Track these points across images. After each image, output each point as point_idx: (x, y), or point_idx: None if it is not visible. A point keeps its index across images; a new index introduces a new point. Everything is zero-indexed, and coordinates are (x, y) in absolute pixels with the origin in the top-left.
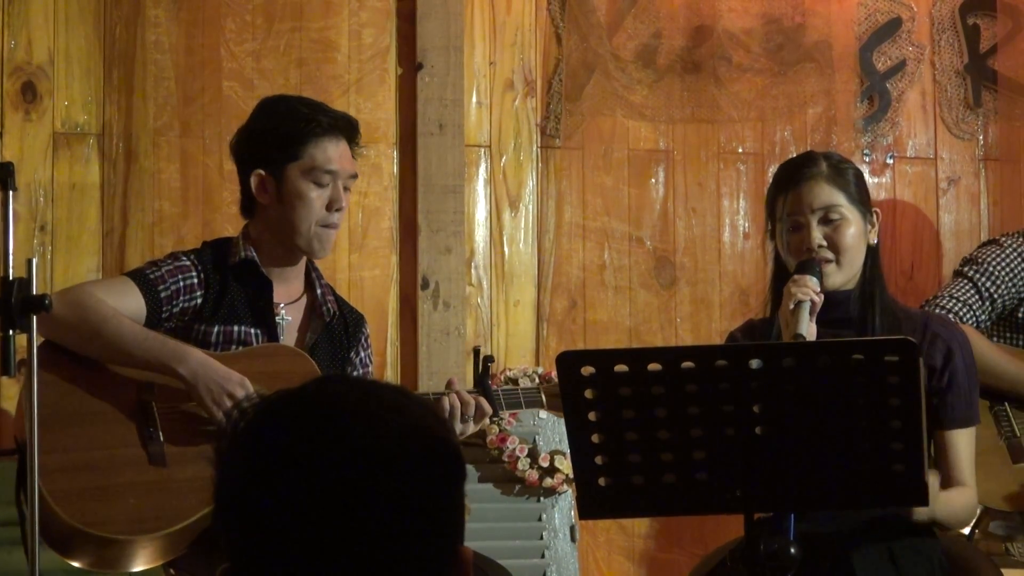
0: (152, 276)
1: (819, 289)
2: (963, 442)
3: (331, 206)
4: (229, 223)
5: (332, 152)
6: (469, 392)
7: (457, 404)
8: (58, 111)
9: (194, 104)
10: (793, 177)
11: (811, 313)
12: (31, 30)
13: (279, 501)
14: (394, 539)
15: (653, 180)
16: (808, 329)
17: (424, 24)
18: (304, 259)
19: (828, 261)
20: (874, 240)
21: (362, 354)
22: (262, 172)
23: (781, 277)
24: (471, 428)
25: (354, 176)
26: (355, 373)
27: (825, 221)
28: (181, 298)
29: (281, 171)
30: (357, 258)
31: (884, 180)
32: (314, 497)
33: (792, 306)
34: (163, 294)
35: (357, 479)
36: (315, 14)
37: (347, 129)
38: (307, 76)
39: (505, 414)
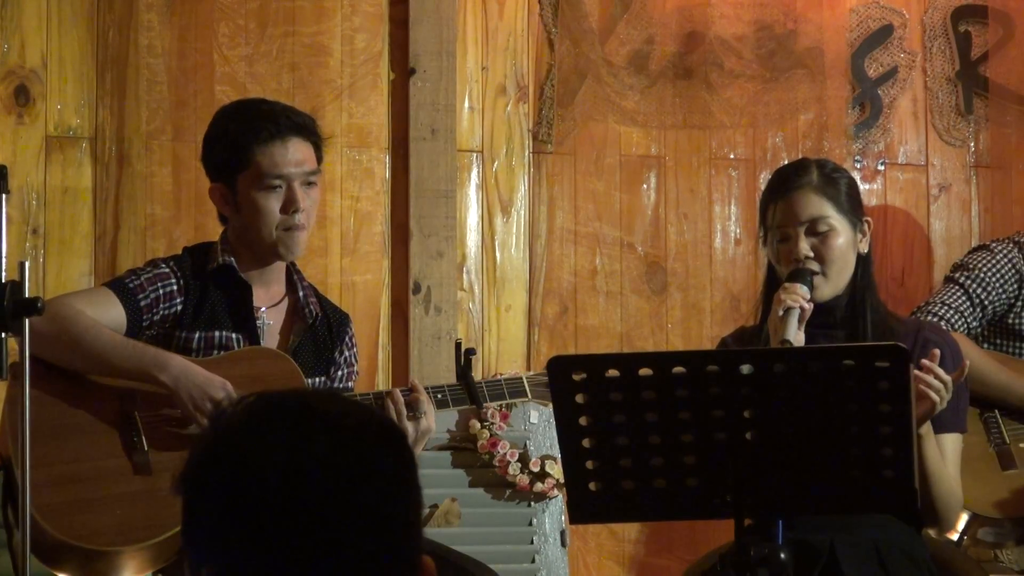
0: (131, 285)
1: (809, 297)
2: (949, 447)
3: (287, 208)
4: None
5: (278, 156)
6: (450, 386)
7: (400, 399)
8: (51, 115)
9: (187, 108)
10: (783, 186)
11: (800, 321)
12: (24, 33)
13: (239, 494)
14: (354, 535)
15: (645, 186)
16: (796, 336)
17: (417, 29)
18: (283, 262)
19: (815, 273)
20: (865, 249)
21: (347, 353)
22: (218, 185)
23: (773, 285)
24: (424, 424)
25: (312, 172)
26: (340, 373)
27: (813, 232)
28: (161, 306)
29: (233, 182)
30: (349, 262)
31: (875, 187)
32: (273, 493)
33: (781, 313)
34: (143, 303)
35: (322, 470)
36: (308, 19)
37: (295, 128)
38: (299, 81)
39: (496, 418)
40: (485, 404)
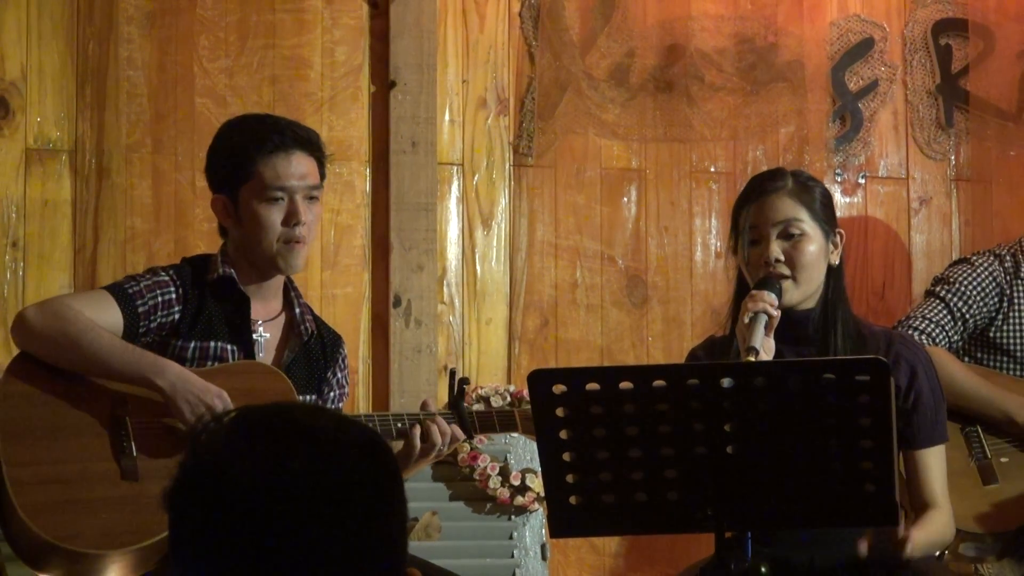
0: (131, 290)
1: (777, 305)
2: (933, 460)
3: (288, 221)
4: (201, 240)
5: (282, 168)
6: (442, 414)
7: (437, 433)
8: (30, 127)
9: (166, 121)
10: (758, 190)
11: (768, 328)
12: (3, 46)
13: (219, 510)
14: (336, 550)
15: (625, 199)
16: (764, 343)
17: (397, 42)
18: (282, 277)
19: (784, 277)
20: (836, 261)
21: (339, 375)
22: (221, 196)
23: (743, 293)
24: (444, 452)
25: (315, 187)
26: (331, 393)
27: (785, 236)
28: (159, 313)
29: (236, 194)
30: (329, 276)
31: (856, 200)
32: (261, 501)
33: (747, 320)
34: (141, 309)
35: (305, 485)
36: (288, 32)
37: (299, 142)
38: (280, 93)
39: None
40: (475, 435)
